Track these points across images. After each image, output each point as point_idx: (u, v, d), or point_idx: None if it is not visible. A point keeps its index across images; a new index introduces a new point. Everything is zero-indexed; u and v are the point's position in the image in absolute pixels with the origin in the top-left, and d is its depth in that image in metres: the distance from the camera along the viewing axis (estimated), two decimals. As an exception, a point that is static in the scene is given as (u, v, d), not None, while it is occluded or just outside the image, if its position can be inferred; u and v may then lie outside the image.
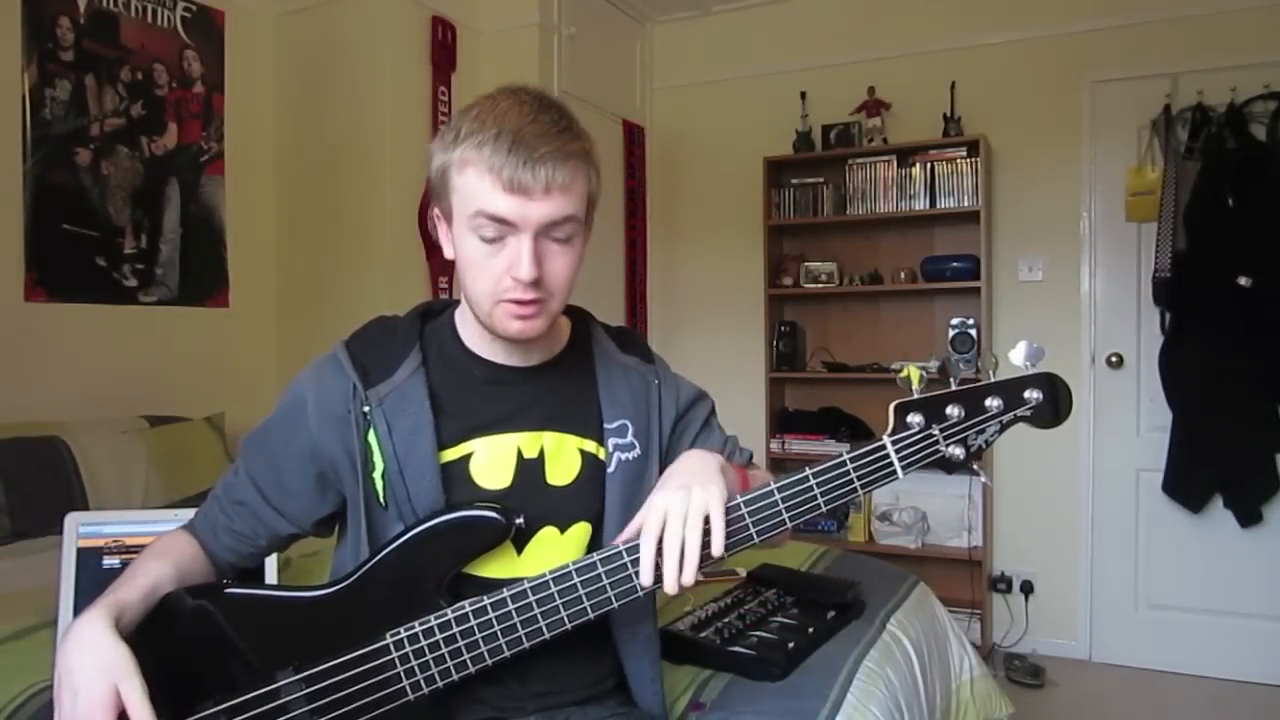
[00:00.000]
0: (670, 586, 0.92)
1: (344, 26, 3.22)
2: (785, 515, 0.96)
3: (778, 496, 0.96)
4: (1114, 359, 3.42)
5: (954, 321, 3.41)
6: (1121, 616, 3.41)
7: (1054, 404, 0.95)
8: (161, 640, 0.97)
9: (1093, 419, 3.43)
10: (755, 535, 0.96)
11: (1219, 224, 3.09)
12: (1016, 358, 0.95)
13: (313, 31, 3.30)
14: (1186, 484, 3.23)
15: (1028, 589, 3.52)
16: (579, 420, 1.11)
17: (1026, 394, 0.95)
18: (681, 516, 0.92)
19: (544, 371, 1.11)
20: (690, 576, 0.92)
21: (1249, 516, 3.17)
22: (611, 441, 1.10)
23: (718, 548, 0.92)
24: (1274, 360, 3.04)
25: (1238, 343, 3.06)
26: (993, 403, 0.95)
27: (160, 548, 1.08)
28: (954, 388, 0.96)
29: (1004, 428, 0.96)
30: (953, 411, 0.95)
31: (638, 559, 0.94)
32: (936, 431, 0.95)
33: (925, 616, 1.93)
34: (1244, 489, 3.17)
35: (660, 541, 0.93)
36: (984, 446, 0.96)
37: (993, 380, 0.96)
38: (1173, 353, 3.20)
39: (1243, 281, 3.02)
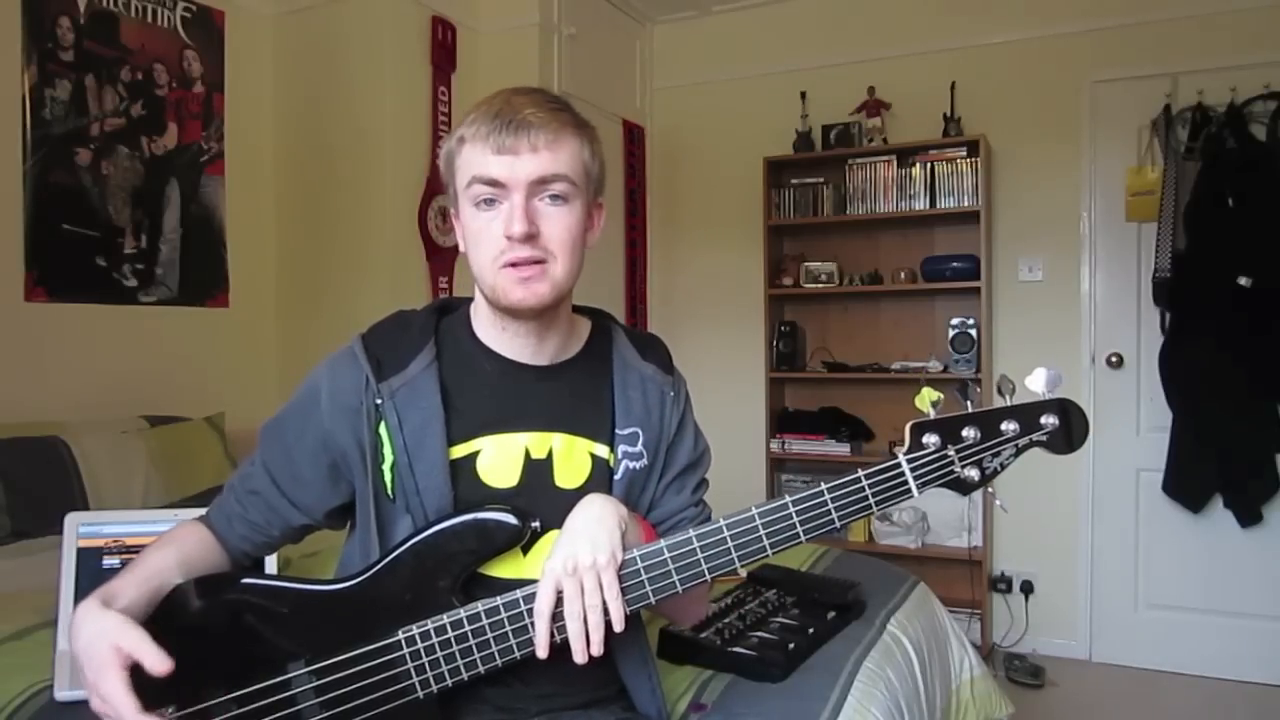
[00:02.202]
0: (581, 658, 0.94)
1: (344, 26, 3.22)
2: (800, 529, 0.96)
3: (792, 510, 0.96)
4: (1114, 359, 3.41)
5: (954, 321, 3.41)
6: (1121, 616, 3.41)
7: (1069, 431, 0.95)
8: (175, 628, 0.98)
9: (1093, 419, 3.38)
10: (770, 549, 0.97)
11: (1219, 224, 3.09)
12: (1035, 384, 0.95)
13: (313, 31, 3.30)
14: (1186, 484, 3.23)
15: (1028, 589, 3.52)
16: (591, 423, 1.10)
17: (1043, 419, 0.95)
18: (576, 592, 0.93)
19: (558, 372, 1.10)
20: (598, 647, 0.94)
21: (1249, 516, 3.17)
22: (621, 448, 1.09)
23: (618, 621, 0.94)
24: (1274, 360, 3.04)
25: (1238, 343, 3.06)
26: (1009, 426, 0.95)
27: (166, 537, 1.09)
28: (970, 410, 0.96)
29: (1019, 451, 0.96)
30: (969, 434, 0.95)
31: (652, 564, 0.96)
32: (952, 452, 0.95)
33: (925, 617, 1.93)
34: (1244, 489, 3.17)
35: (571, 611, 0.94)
36: (999, 470, 0.96)
37: (1009, 404, 0.96)
38: (1173, 353, 3.20)
39: (1243, 281, 3.02)
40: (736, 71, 4.00)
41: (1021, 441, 0.95)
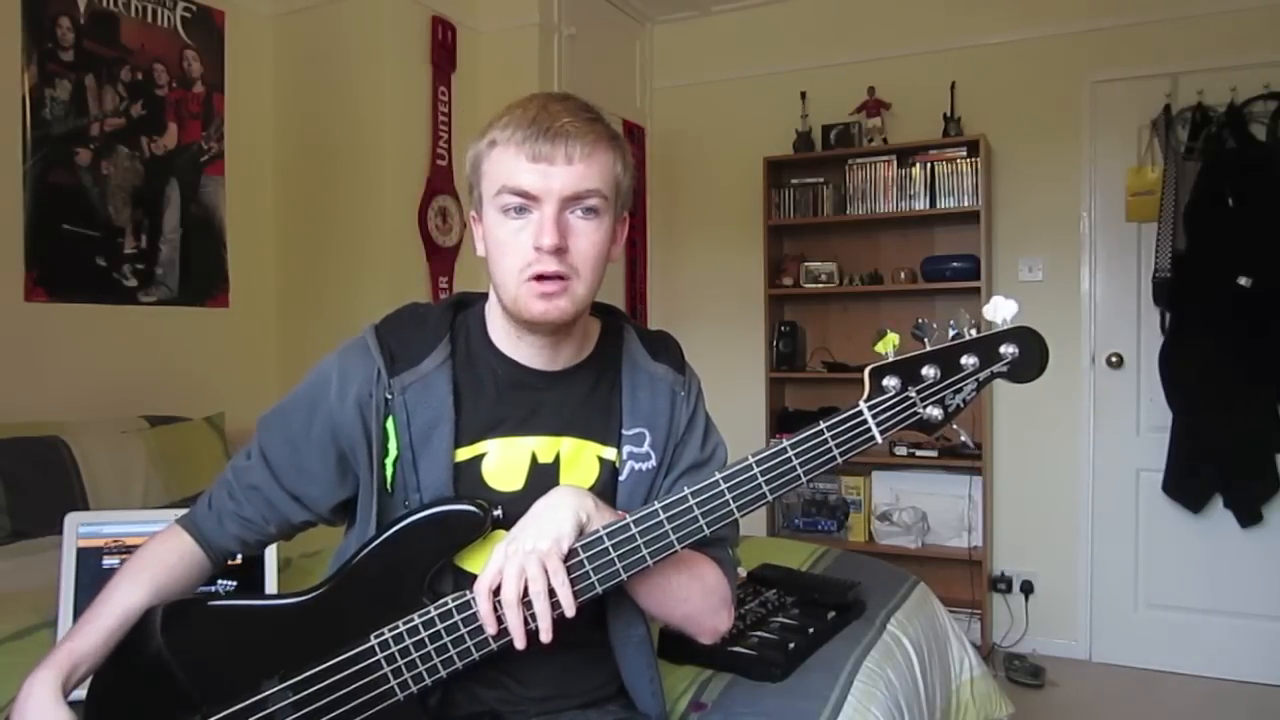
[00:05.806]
0: (519, 644, 0.92)
1: (344, 26, 3.22)
2: (766, 489, 0.93)
3: (756, 470, 0.93)
4: (1114, 359, 3.42)
5: (954, 322, 3.40)
6: (1121, 616, 3.41)
7: (1030, 357, 0.93)
8: (145, 656, 0.97)
9: (1093, 419, 3.43)
10: (736, 510, 0.94)
11: (1219, 224, 3.08)
12: (995, 314, 0.93)
13: (313, 31, 3.29)
14: (1186, 484, 3.23)
15: (1028, 589, 3.52)
16: (600, 427, 1.08)
17: (1002, 349, 0.93)
18: (513, 574, 0.91)
19: (568, 376, 1.09)
20: (546, 634, 0.91)
21: (1249, 516, 3.17)
22: (627, 449, 1.08)
23: (568, 607, 0.92)
24: (1274, 360, 3.04)
25: (1238, 342, 3.06)
26: (968, 360, 0.93)
27: (137, 565, 1.05)
28: (928, 348, 0.94)
29: (981, 385, 0.94)
30: (929, 372, 0.93)
31: (620, 543, 0.94)
32: (913, 393, 0.93)
33: (925, 617, 1.93)
34: (1244, 489, 3.17)
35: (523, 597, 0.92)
36: (961, 406, 0.94)
37: (967, 338, 0.94)
38: (1173, 353, 3.20)
39: (1243, 281, 3.02)
40: (736, 71, 4.00)
41: (982, 375, 0.93)
